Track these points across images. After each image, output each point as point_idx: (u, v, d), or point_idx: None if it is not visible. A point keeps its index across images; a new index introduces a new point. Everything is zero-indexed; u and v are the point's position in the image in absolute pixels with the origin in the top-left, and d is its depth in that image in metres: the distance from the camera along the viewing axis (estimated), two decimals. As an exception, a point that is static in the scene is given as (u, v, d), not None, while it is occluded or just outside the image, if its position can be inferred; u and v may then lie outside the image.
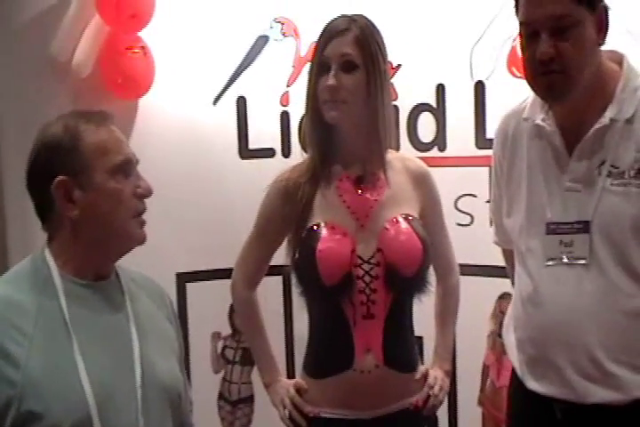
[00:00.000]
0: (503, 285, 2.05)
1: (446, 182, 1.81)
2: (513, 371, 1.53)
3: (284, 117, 2.26)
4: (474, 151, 2.07)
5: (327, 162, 1.57)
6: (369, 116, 1.53)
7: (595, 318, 1.33)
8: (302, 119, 1.92)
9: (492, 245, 1.77)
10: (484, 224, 2.10)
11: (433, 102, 2.15)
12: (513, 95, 2.06)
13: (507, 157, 1.50)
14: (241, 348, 2.26)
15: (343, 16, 1.56)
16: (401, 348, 1.56)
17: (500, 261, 1.76)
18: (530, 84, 1.39)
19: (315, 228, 1.53)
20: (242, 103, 2.25)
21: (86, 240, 1.18)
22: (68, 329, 1.13)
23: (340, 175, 1.57)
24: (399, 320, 1.56)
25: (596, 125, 1.35)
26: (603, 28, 1.34)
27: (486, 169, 2.09)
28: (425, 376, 1.61)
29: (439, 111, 2.14)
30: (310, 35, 2.20)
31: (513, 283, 1.59)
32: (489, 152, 2.08)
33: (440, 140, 2.15)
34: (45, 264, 1.17)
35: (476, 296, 1.95)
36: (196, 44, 2.18)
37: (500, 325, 2.17)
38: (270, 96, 2.25)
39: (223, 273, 2.20)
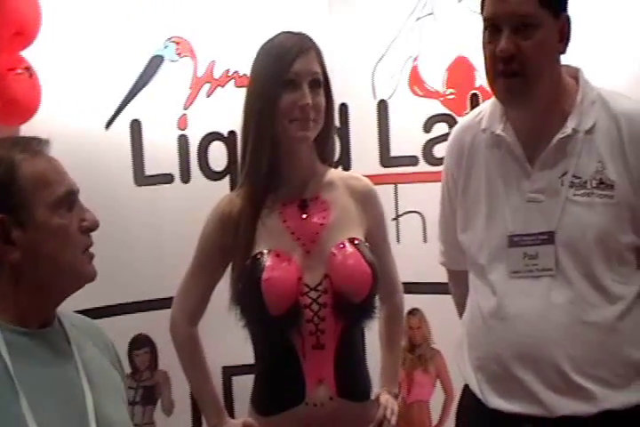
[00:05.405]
0: (412, 301, 2.02)
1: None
2: (464, 392, 1.47)
3: (182, 141, 2.17)
4: (378, 169, 2.07)
5: (271, 187, 1.50)
6: (322, 137, 1.51)
7: (563, 331, 1.31)
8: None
9: (400, 263, 1.72)
10: (391, 241, 2.07)
11: (336, 121, 2.12)
12: (415, 114, 2.10)
13: (463, 171, 1.46)
14: (142, 387, 2.12)
15: (290, 32, 1.51)
16: (354, 377, 1.51)
17: (403, 278, 1.72)
18: (490, 86, 1.37)
19: (259, 256, 1.46)
20: (136, 127, 2.14)
21: (29, 284, 1.06)
22: (15, 385, 1.00)
23: (284, 200, 1.51)
24: (350, 349, 1.50)
25: (559, 135, 1.35)
26: (564, 37, 1.35)
27: (392, 187, 2.10)
28: (377, 399, 1.55)
29: (343, 130, 2.13)
30: (207, 54, 2.14)
31: (456, 304, 1.58)
32: (394, 170, 2.11)
33: (344, 159, 2.13)
34: None
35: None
36: (85, 64, 2.06)
37: (410, 340, 2.15)
38: (167, 119, 2.16)
39: (121, 308, 2.07)
